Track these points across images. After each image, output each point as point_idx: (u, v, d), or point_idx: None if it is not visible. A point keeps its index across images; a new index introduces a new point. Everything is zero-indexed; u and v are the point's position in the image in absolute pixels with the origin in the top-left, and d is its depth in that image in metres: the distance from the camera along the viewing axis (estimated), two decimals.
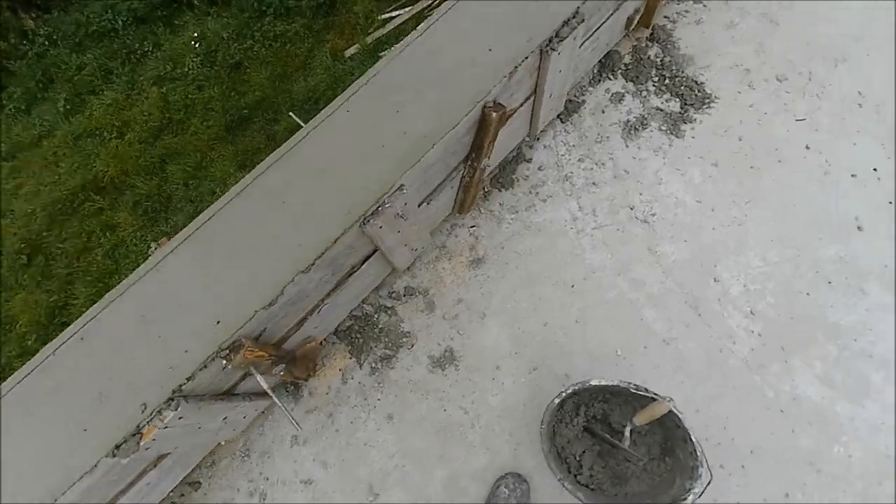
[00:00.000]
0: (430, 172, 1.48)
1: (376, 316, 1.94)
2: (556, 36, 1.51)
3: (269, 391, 1.33)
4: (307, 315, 1.53)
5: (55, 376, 1.25)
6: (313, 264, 1.30)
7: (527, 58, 1.46)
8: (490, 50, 1.48)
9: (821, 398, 1.62)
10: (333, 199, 1.35)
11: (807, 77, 2.01)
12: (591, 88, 2.18)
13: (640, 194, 1.97)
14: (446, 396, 1.80)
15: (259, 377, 1.32)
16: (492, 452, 1.72)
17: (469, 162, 1.65)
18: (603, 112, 2.14)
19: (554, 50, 1.50)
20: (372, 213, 1.34)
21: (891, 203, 1.82)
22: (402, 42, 1.53)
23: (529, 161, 2.09)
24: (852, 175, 1.86)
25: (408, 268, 1.96)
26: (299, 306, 1.44)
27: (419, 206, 1.60)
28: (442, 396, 1.80)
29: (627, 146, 2.06)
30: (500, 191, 2.07)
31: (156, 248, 1.41)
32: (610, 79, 2.16)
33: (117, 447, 1.15)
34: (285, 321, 1.43)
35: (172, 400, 1.19)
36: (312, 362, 1.79)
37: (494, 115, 1.43)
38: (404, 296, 1.96)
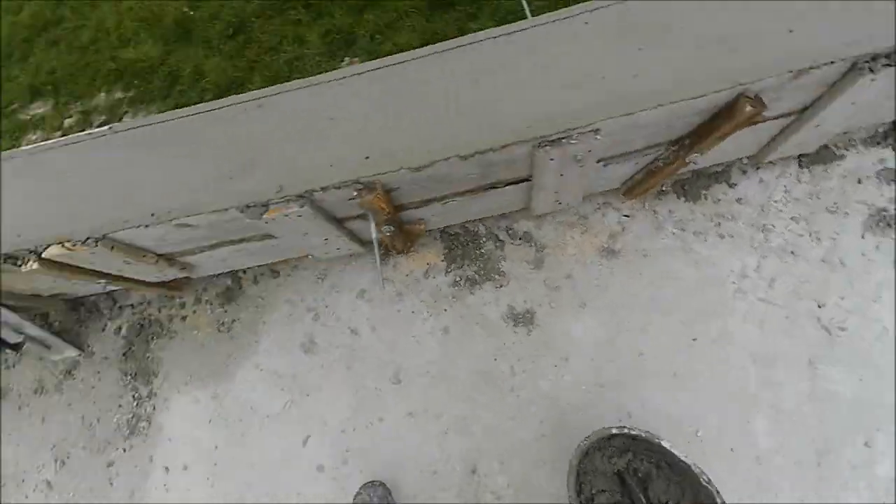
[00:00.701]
0: (634, 134, 1.30)
1: (484, 240, 1.90)
2: (884, 57, 1.15)
3: (375, 239, 1.38)
4: (434, 199, 1.53)
5: (228, 126, 1.42)
6: (473, 156, 1.25)
7: (832, 63, 1.14)
8: (791, 32, 1.18)
9: None
10: (527, 104, 1.26)
11: None
12: (860, 147, 1.71)
13: (842, 298, 1.57)
14: (504, 349, 1.75)
15: (372, 223, 1.37)
16: (515, 423, 1.66)
17: (675, 147, 1.42)
18: (859, 182, 1.68)
19: (871, 71, 1.15)
20: (554, 141, 1.23)
21: None
22: None
23: (732, 186, 1.77)
24: None
25: (539, 215, 1.85)
26: (434, 188, 1.43)
27: (598, 161, 1.44)
28: (500, 347, 1.76)
29: (863, 237, 1.62)
30: (678, 198, 1.80)
31: (349, 64, 1.45)
32: (893, 149, 1.67)
33: (248, 206, 1.30)
34: (416, 193, 1.44)
35: (303, 198, 1.29)
36: (411, 241, 1.83)
37: (749, 109, 1.17)
38: (520, 239, 1.87)
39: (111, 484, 1.83)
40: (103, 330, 2.03)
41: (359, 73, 1.41)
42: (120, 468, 1.84)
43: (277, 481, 1.72)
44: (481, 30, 2.61)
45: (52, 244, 1.35)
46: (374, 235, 1.38)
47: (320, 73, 2.86)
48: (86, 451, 1.88)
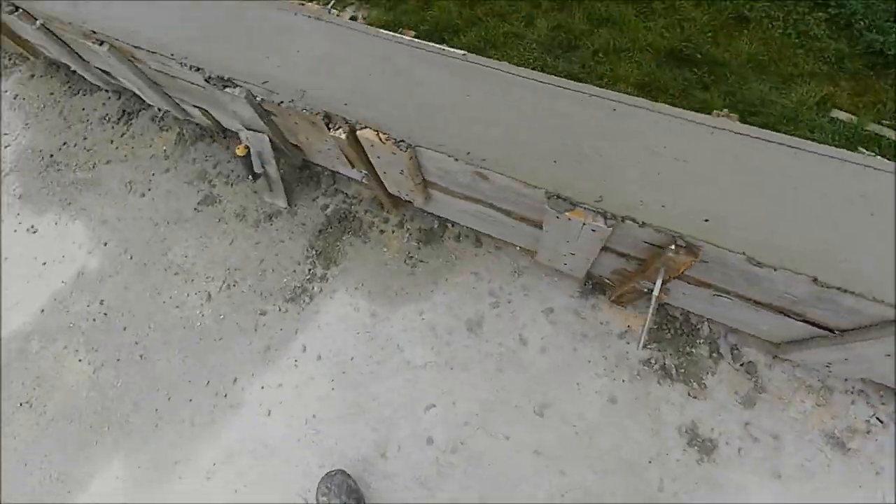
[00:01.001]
0: None
1: (701, 342, 1.71)
2: None
3: (655, 296, 1.27)
4: (716, 287, 1.37)
5: (574, 110, 1.36)
6: (828, 288, 1.07)
7: None
8: None
9: None
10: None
11: None
12: None
13: None
14: (664, 459, 1.58)
15: (659, 280, 1.25)
16: None
17: None
18: None
19: None
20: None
21: None
22: None
23: None
24: None
25: (777, 357, 1.62)
26: (736, 283, 1.27)
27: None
28: (661, 454, 1.59)
29: None
30: None
31: (725, 116, 1.32)
32: None
33: (558, 197, 1.24)
34: (714, 275, 1.29)
35: (615, 219, 1.20)
36: (633, 297, 1.70)
37: None
38: (741, 365, 1.66)
39: (255, 330, 1.97)
40: (314, 200, 2.16)
41: (731, 131, 1.27)
42: (268, 321, 1.97)
43: (388, 424, 1.74)
44: (708, 102, 2.33)
45: (370, 129, 1.40)
46: (656, 292, 1.26)
47: (530, 60, 2.75)
48: (250, 290, 2.04)
